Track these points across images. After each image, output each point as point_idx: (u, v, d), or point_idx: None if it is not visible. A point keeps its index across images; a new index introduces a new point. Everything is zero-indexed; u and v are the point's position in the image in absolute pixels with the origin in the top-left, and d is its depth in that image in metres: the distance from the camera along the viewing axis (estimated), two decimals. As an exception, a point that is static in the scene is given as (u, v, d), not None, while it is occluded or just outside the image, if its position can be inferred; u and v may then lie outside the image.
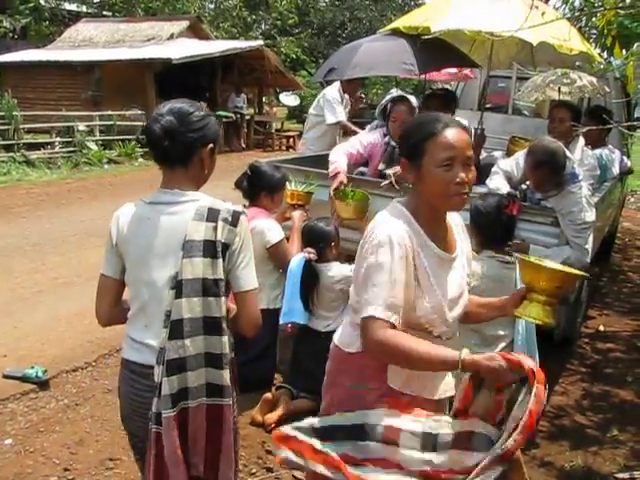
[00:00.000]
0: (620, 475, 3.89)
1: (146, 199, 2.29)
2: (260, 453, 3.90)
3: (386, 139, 5.25)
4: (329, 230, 4.32)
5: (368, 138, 5.35)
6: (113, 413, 4.21)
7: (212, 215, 2.18)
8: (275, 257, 4.38)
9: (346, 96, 7.21)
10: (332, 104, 7.02)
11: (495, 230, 3.68)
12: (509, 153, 6.09)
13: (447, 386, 2.34)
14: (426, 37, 4.60)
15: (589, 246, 4.18)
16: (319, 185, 4.84)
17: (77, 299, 6.06)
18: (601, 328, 6.29)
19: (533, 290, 2.35)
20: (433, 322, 2.19)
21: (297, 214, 4.57)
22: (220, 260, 2.16)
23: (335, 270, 4.27)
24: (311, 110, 7.45)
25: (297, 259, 4.34)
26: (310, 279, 4.24)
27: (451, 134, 2.10)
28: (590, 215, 4.17)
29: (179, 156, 2.24)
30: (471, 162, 2.14)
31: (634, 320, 6.64)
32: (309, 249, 4.24)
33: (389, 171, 4.82)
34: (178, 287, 2.13)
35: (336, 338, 2.43)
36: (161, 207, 2.24)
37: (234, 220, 2.20)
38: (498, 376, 1.97)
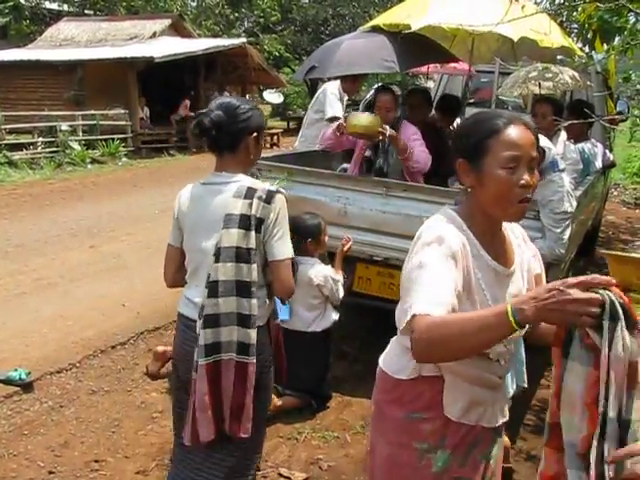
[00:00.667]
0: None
1: (201, 181, 2.75)
2: (247, 452, 3.89)
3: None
4: (311, 224, 4.29)
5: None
6: (98, 414, 4.20)
7: (249, 193, 2.57)
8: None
9: (345, 96, 7.17)
10: (333, 99, 7.02)
11: None
12: None
13: (504, 412, 2.14)
14: (406, 32, 4.61)
15: (566, 237, 4.13)
16: (304, 182, 4.82)
17: (61, 300, 6.03)
18: (586, 321, 6.30)
19: (630, 289, 2.10)
20: None
21: None
22: (253, 232, 2.55)
23: (317, 268, 4.26)
24: (310, 108, 7.39)
25: None
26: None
27: (516, 132, 1.90)
28: (570, 206, 4.13)
29: (227, 144, 2.67)
30: (535, 164, 1.93)
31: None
32: None
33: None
34: (217, 253, 2.55)
35: (382, 362, 2.13)
36: (212, 187, 2.67)
37: (268, 198, 2.58)
38: (569, 313, 1.48)
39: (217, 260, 2.54)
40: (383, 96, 5.09)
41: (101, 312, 5.83)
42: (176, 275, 2.83)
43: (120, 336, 5.37)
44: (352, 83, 6.81)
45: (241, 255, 2.54)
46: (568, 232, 4.16)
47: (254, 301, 2.58)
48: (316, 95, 7.27)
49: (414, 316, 1.69)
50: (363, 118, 4.66)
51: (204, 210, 2.65)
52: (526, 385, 3.53)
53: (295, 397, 4.23)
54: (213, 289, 2.55)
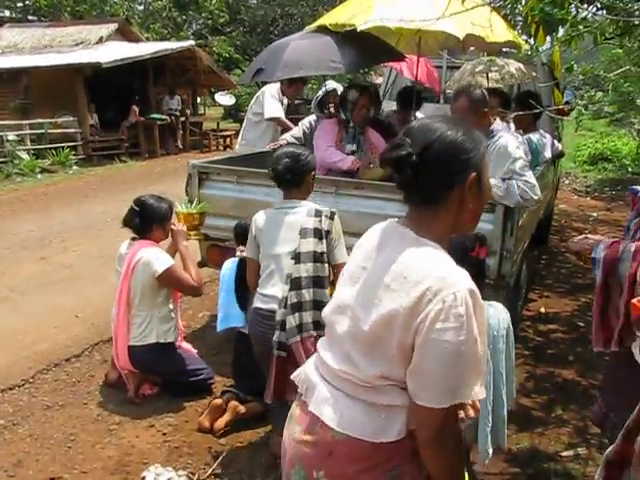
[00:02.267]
0: (565, 453, 3.98)
1: (274, 206, 3.62)
2: (207, 459, 3.83)
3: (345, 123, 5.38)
4: None
5: (326, 127, 5.43)
6: (53, 430, 4.10)
7: (317, 213, 3.46)
8: (169, 284, 4.41)
9: (285, 98, 7.12)
10: (271, 100, 6.98)
11: None
12: None
13: None
14: (350, 29, 4.59)
15: (534, 180, 4.16)
16: (254, 184, 4.78)
17: (11, 314, 5.88)
18: (542, 310, 6.39)
19: None
20: None
21: (177, 233, 4.58)
22: (324, 240, 3.43)
23: None
24: (249, 110, 7.33)
25: (229, 264, 4.32)
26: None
27: None
28: (520, 154, 4.20)
29: (295, 182, 3.52)
30: None
31: (573, 300, 6.77)
32: (242, 247, 4.19)
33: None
34: (297, 257, 3.37)
35: (344, 429, 1.79)
36: (284, 210, 3.53)
37: (332, 216, 3.48)
38: None
39: (297, 262, 3.36)
40: (364, 96, 5.23)
41: (54, 324, 5.70)
42: (255, 280, 3.62)
43: (74, 348, 5.26)
44: (288, 87, 6.79)
45: (317, 257, 3.39)
46: (532, 175, 4.20)
47: (327, 290, 3.41)
48: (255, 96, 7.23)
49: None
50: (377, 174, 4.87)
51: (279, 227, 3.48)
52: (506, 445, 3.37)
53: (257, 403, 4.18)
54: (296, 283, 3.33)
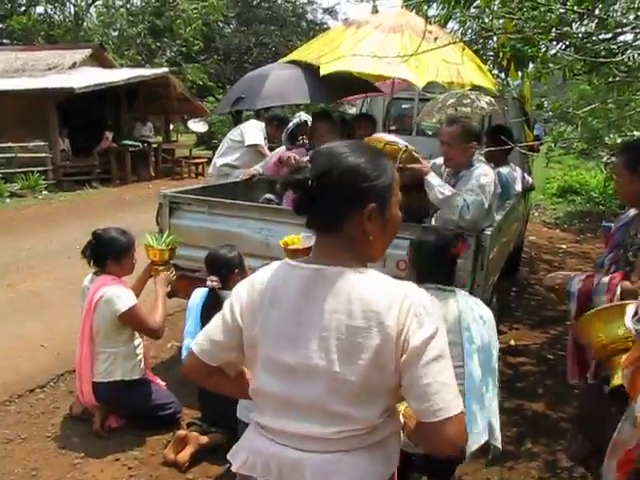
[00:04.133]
0: (535, 488, 3.97)
1: None
2: (174, 495, 3.76)
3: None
4: (232, 257, 4.23)
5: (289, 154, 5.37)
6: (14, 465, 3.98)
7: None
8: (131, 324, 4.31)
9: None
10: (256, 130, 7.05)
11: (435, 270, 3.19)
12: None
13: None
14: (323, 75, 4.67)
15: (485, 206, 4.19)
16: (225, 215, 4.76)
17: (-26, 344, 5.75)
18: (512, 342, 6.40)
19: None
20: None
21: (160, 280, 4.49)
22: None
23: None
24: (230, 136, 7.38)
25: (198, 293, 4.26)
26: (215, 308, 4.15)
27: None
28: (488, 180, 4.23)
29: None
30: None
31: (543, 333, 6.80)
32: (212, 277, 4.15)
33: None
34: None
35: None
36: None
37: None
38: None
39: None
40: (322, 123, 5.25)
41: (19, 354, 5.58)
42: None
43: (39, 379, 5.14)
44: (276, 130, 6.86)
45: None
46: (479, 205, 4.17)
47: None
48: (238, 127, 7.29)
49: (457, 415, 1.64)
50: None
51: None
52: (499, 445, 3.14)
53: (218, 434, 4.13)
54: None
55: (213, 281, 4.14)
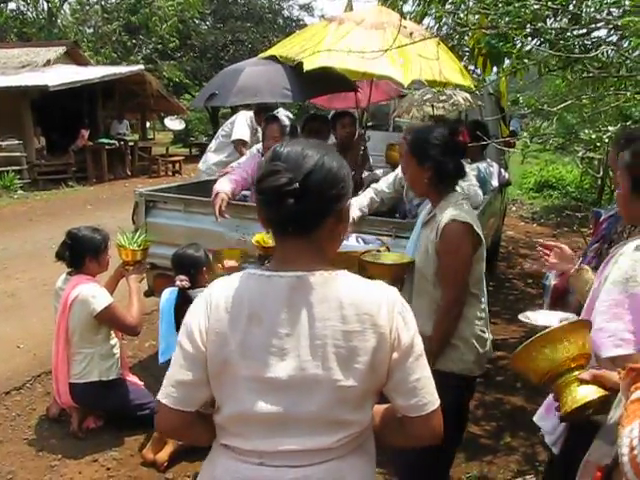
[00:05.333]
0: (514, 481, 3.99)
1: None
2: (153, 496, 3.74)
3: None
4: (199, 255, 4.22)
5: (250, 164, 5.25)
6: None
7: None
8: (108, 323, 4.29)
9: (257, 128, 7.15)
10: (242, 124, 7.01)
11: (448, 166, 3.14)
12: (387, 159, 6.47)
13: None
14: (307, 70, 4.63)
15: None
16: (201, 213, 4.73)
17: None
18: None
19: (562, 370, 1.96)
20: None
21: (132, 277, 4.48)
22: None
23: None
24: (221, 131, 7.35)
25: (166, 294, 4.25)
26: (185, 308, 4.13)
27: None
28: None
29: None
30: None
31: (520, 327, 6.82)
32: (181, 277, 4.13)
33: None
34: None
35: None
36: None
37: None
38: None
39: None
40: (272, 126, 5.10)
41: (-6, 356, 5.53)
42: None
43: (15, 380, 5.10)
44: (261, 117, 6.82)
45: None
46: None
47: None
48: (229, 120, 7.27)
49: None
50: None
51: None
52: None
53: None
54: None
55: (182, 280, 4.12)
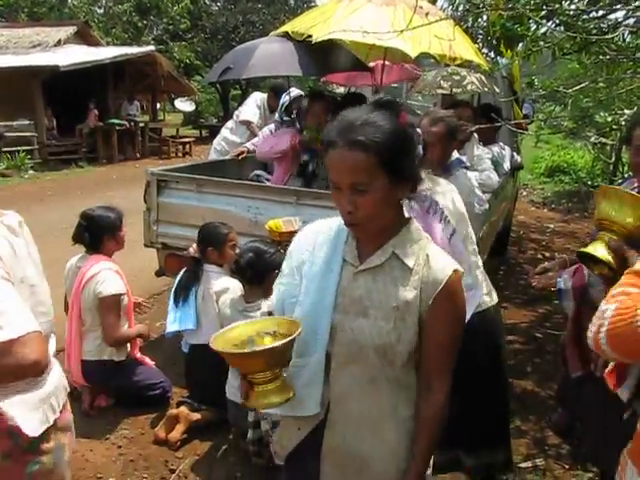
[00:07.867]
0: (523, 465, 3.99)
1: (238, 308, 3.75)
2: (164, 473, 3.75)
3: (298, 145, 5.22)
4: (218, 232, 4.21)
5: (280, 134, 5.30)
6: None
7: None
8: (103, 311, 4.21)
9: (267, 110, 7.18)
10: (251, 105, 7.04)
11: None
12: None
13: None
14: (316, 41, 4.57)
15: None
16: (214, 193, 4.73)
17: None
18: (500, 321, 6.42)
19: (610, 228, 2.29)
20: None
21: (139, 326, 4.56)
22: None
23: (222, 282, 4.14)
24: (237, 111, 7.45)
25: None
26: (192, 278, 4.21)
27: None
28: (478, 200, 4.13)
29: (256, 280, 3.62)
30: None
31: (531, 311, 6.83)
32: (194, 246, 4.18)
33: None
34: None
35: None
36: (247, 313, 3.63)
37: None
38: None
39: None
40: (315, 103, 5.18)
41: (6, 334, 5.54)
42: None
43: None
44: (274, 100, 6.84)
45: None
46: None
47: None
48: (244, 103, 7.33)
49: None
50: None
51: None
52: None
53: (208, 411, 4.14)
54: None
55: (193, 249, 4.17)
